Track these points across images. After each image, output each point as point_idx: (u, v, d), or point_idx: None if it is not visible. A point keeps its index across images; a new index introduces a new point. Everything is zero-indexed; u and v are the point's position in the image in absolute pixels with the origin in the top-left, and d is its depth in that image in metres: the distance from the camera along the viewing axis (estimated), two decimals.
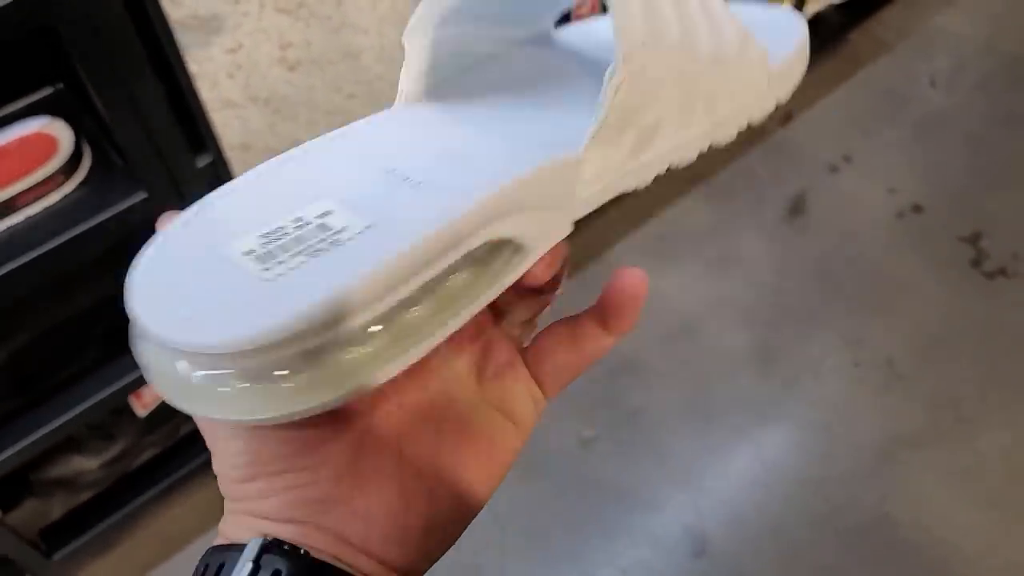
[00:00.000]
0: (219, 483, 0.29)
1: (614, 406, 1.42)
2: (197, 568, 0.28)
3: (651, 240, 1.63)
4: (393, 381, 0.26)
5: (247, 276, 0.25)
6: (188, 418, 1.19)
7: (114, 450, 1.12)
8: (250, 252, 0.26)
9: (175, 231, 0.27)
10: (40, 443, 0.94)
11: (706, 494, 1.34)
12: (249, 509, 0.28)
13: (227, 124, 0.82)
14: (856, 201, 1.67)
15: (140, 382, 0.97)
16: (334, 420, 0.28)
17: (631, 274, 0.33)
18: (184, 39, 0.74)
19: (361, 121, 0.32)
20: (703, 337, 1.51)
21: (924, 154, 1.75)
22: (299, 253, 0.25)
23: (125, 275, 0.25)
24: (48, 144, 0.82)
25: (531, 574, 1.27)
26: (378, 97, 0.94)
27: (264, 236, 0.26)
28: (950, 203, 1.66)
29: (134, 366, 0.96)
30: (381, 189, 0.28)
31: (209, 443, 0.29)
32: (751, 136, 1.75)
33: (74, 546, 1.11)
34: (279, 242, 0.26)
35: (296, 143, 0.89)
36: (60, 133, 0.83)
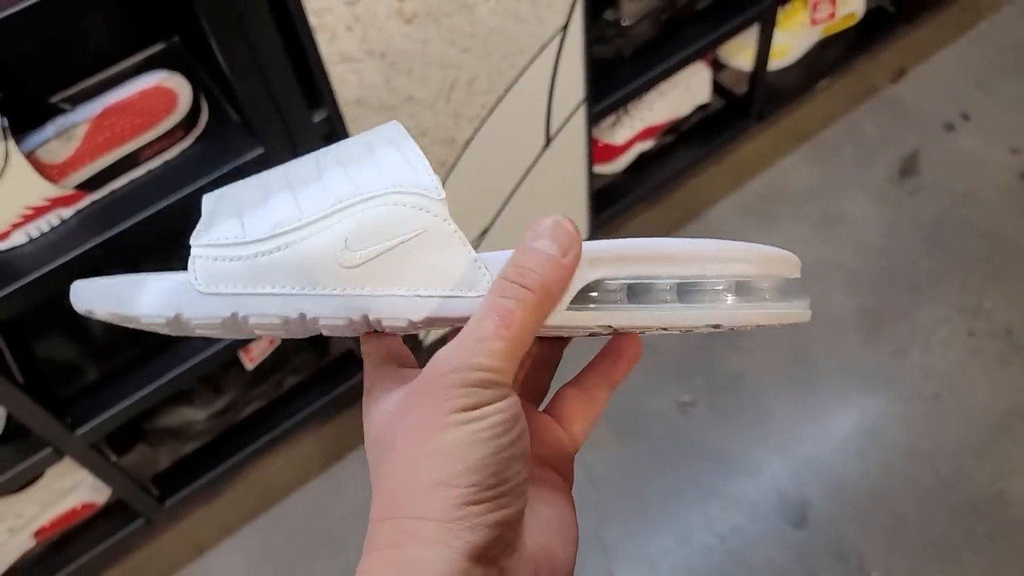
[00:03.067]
0: (431, 498, 0.30)
1: (712, 371, 1.39)
2: None
3: (752, 199, 1.57)
4: None
5: None
6: (292, 371, 1.21)
7: (221, 402, 1.14)
8: None
9: None
10: (156, 393, 0.96)
11: (807, 462, 1.30)
12: (451, 535, 0.29)
13: (343, 79, 0.81)
14: (974, 162, 1.59)
15: (247, 340, 0.98)
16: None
17: (634, 347, 0.40)
18: None
19: None
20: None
21: None
22: None
23: None
24: (168, 98, 0.82)
25: (627, 537, 1.26)
26: (491, 51, 0.92)
27: None
28: None
29: None
30: None
31: (458, 456, 0.30)
32: (861, 92, 1.67)
33: (184, 493, 1.13)
34: None
35: (409, 99, 0.88)
36: (179, 87, 0.83)
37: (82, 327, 1.06)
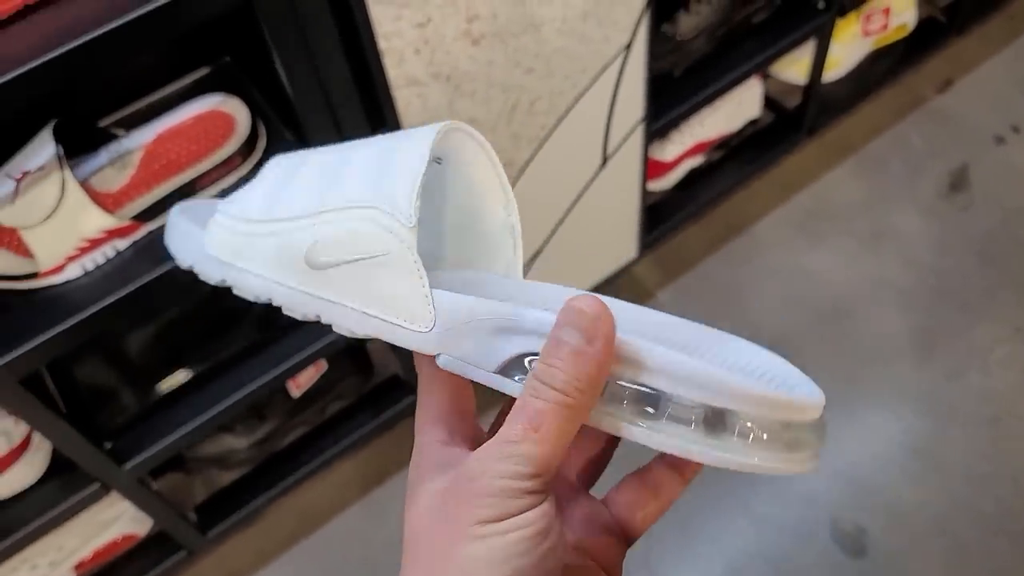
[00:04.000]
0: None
1: None
2: None
3: (798, 214, 1.54)
4: None
5: None
6: (336, 397, 1.17)
7: (264, 430, 1.11)
8: None
9: None
10: (205, 426, 0.93)
11: (862, 488, 1.26)
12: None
13: (408, 103, 0.78)
14: None
15: (300, 366, 0.95)
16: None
17: None
18: (376, 12, 0.69)
19: None
20: (857, 320, 1.42)
21: None
22: None
23: None
24: (224, 123, 0.79)
25: (676, 564, 1.22)
26: (554, 71, 0.88)
27: None
28: None
29: (294, 349, 0.94)
30: None
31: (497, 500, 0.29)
32: (907, 104, 1.63)
33: (227, 524, 1.10)
34: None
35: (471, 121, 0.84)
36: (236, 112, 0.79)
37: (121, 350, 1.03)
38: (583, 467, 0.38)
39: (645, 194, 1.16)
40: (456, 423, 0.34)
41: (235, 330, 1.04)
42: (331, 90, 0.72)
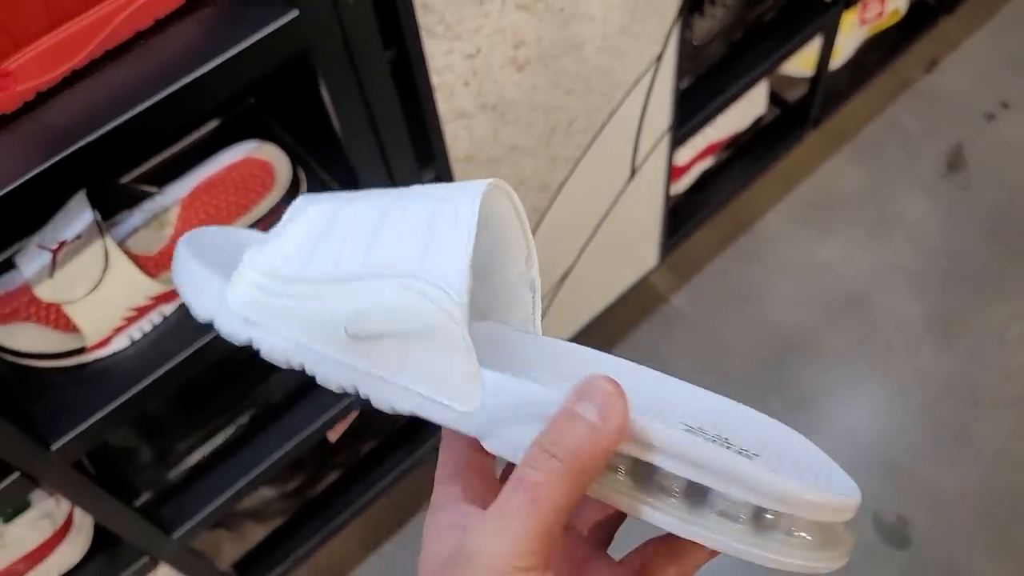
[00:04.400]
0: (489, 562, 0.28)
1: (787, 390, 1.34)
2: None
3: (803, 207, 1.53)
4: None
5: None
6: (369, 437, 1.13)
7: (300, 478, 1.07)
8: None
9: None
10: (250, 485, 0.88)
11: (900, 480, 1.26)
12: None
13: (456, 136, 0.74)
14: (1020, 150, 1.56)
15: (345, 412, 0.91)
16: None
17: None
18: (429, 47, 0.65)
19: None
20: (873, 309, 1.42)
21: None
22: None
23: None
24: (263, 171, 0.75)
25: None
26: (592, 89, 0.86)
27: None
28: None
29: (332, 401, 0.90)
30: None
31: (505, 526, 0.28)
32: (895, 86, 1.64)
33: None
34: None
35: (513, 148, 0.81)
36: (274, 158, 0.75)
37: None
38: (599, 522, 0.37)
39: (667, 202, 1.14)
40: (472, 480, 0.33)
41: (268, 378, 0.99)
42: (381, 129, 0.68)
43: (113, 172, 0.76)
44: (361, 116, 0.66)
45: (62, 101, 0.54)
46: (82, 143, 0.52)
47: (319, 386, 0.35)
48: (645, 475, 0.31)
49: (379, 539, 1.25)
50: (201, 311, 0.38)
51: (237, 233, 0.43)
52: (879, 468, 1.27)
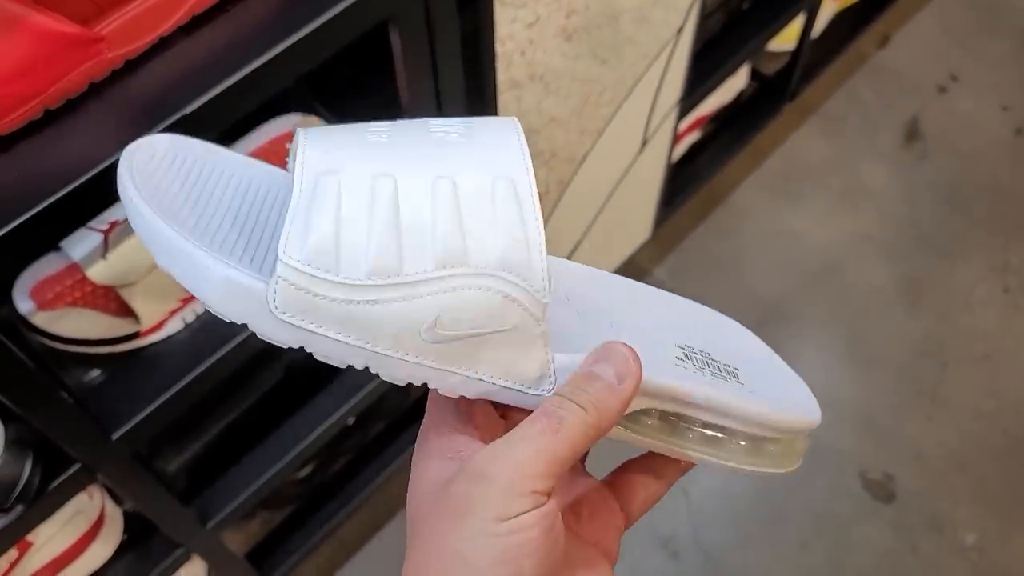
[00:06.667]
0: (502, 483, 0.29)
1: None
2: None
3: (773, 178, 1.57)
4: None
5: None
6: (379, 416, 1.12)
7: (312, 464, 1.05)
8: None
9: None
10: (282, 472, 0.86)
11: (883, 438, 1.31)
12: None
13: (506, 107, 0.73)
14: (970, 122, 1.63)
15: (367, 399, 0.90)
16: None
17: None
18: (498, 14, 0.64)
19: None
20: (846, 276, 1.47)
21: None
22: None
23: None
24: None
25: (718, 520, 1.24)
26: (622, 59, 0.86)
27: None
28: None
29: (364, 380, 0.88)
30: None
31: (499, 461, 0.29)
32: (852, 61, 1.69)
33: (287, 565, 1.04)
34: None
35: (551, 120, 0.82)
36: None
37: None
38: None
39: (668, 174, 1.15)
40: (475, 417, 0.34)
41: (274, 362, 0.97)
42: (444, 101, 0.67)
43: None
44: (430, 88, 0.64)
45: (152, 69, 0.51)
46: (178, 115, 0.49)
47: (339, 369, 0.34)
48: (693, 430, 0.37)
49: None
50: (221, 307, 0.31)
51: (198, 165, 0.37)
52: (862, 428, 1.32)
